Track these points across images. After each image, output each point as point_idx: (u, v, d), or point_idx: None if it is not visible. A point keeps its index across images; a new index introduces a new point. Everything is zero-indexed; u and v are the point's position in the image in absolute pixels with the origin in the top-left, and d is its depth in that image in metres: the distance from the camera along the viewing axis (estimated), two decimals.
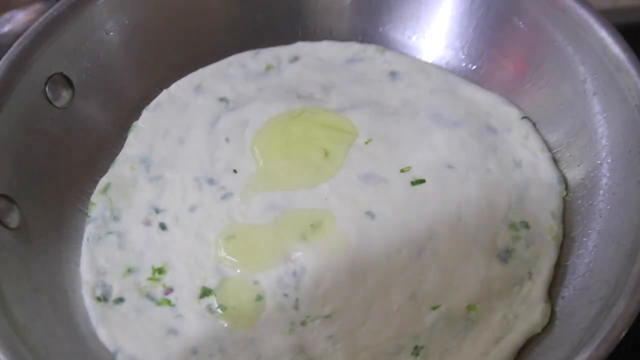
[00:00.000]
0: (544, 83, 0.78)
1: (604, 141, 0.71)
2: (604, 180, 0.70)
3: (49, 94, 0.76)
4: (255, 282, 0.69)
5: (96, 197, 0.77)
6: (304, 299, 0.68)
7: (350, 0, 0.89)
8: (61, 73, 0.77)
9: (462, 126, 0.79)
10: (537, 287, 0.68)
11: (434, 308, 0.67)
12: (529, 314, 0.66)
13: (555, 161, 0.76)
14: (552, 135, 0.78)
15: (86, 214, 0.76)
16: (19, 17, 0.93)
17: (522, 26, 0.80)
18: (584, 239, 0.69)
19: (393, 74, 0.85)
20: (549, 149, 0.77)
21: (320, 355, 0.65)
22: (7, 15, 0.93)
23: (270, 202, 0.74)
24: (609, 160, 0.70)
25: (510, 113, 0.80)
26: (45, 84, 0.75)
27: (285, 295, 0.68)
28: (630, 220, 0.64)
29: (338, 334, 0.66)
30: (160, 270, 0.71)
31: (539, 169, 0.76)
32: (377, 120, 0.80)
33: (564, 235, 0.71)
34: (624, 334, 0.55)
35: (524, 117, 0.79)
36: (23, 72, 0.73)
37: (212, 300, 0.69)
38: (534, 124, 0.79)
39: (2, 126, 0.70)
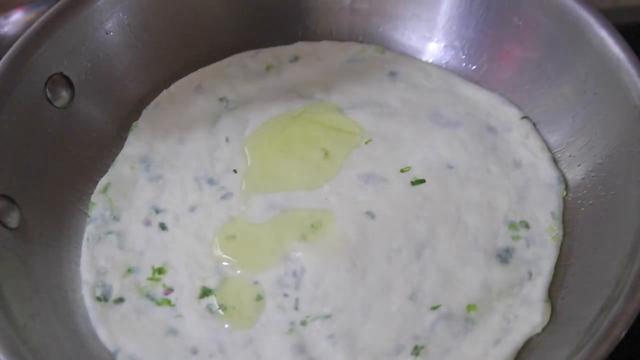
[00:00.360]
0: (544, 83, 0.78)
1: (604, 141, 0.71)
2: (604, 180, 0.70)
3: (49, 94, 0.76)
4: (256, 282, 0.69)
5: (96, 197, 0.77)
6: (303, 299, 0.68)
7: (350, 0, 0.89)
8: (61, 73, 0.77)
9: (462, 126, 0.79)
10: (537, 287, 0.68)
11: (434, 308, 0.67)
12: (529, 314, 0.66)
13: (555, 161, 0.76)
14: (552, 135, 0.78)
15: (86, 214, 0.76)
16: (19, 17, 0.93)
17: (521, 26, 0.80)
18: (584, 239, 0.69)
19: (393, 74, 0.85)
20: (549, 149, 0.77)
21: (320, 355, 0.65)
22: (7, 15, 0.93)
23: (270, 202, 0.74)
24: (609, 160, 0.70)
25: (510, 113, 0.80)
26: (45, 84, 0.75)
27: (285, 295, 0.68)
28: (630, 220, 0.63)
29: (338, 334, 0.66)
30: (160, 270, 0.71)
31: (539, 169, 0.76)
32: (377, 120, 0.80)
33: (564, 235, 0.71)
34: (624, 334, 0.55)
35: (524, 117, 0.79)
36: (23, 72, 0.72)
37: (212, 300, 0.69)
38: (534, 124, 0.79)
39: (2, 126, 0.70)
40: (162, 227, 0.74)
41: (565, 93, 0.76)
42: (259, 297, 0.68)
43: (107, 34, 0.81)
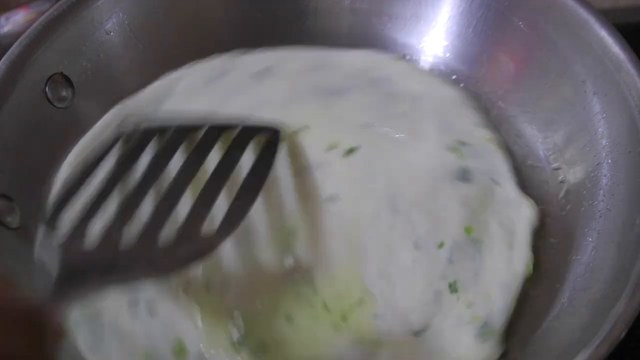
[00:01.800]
0: (543, 83, 0.79)
1: (604, 141, 0.71)
2: (604, 181, 0.70)
3: (49, 94, 0.76)
4: (275, 306, 0.66)
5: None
6: (327, 297, 0.67)
7: (349, 0, 0.89)
8: (61, 73, 0.77)
9: (352, 91, 0.79)
10: (508, 188, 0.72)
11: (440, 246, 0.68)
12: (519, 212, 0.70)
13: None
14: (552, 135, 0.78)
15: None
16: (19, 17, 0.93)
17: (521, 26, 0.80)
18: (584, 239, 0.69)
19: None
20: (438, 74, 0.81)
21: (378, 335, 0.65)
22: (7, 15, 0.93)
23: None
24: (609, 160, 0.70)
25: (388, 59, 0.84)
26: (45, 84, 0.75)
27: (310, 303, 0.67)
28: (630, 220, 0.64)
29: (379, 310, 0.66)
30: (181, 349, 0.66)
31: (436, 90, 0.80)
32: (295, 109, 0.78)
33: (564, 235, 0.71)
34: (624, 334, 0.55)
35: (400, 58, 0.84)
36: (23, 72, 0.73)
37: (249, 347, 0.65)
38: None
39: (2, 126, 0.70)
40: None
41: (565, 93, 0.76)
42: (289, 318, 0.66)
43: (107, 34, 0.81)
